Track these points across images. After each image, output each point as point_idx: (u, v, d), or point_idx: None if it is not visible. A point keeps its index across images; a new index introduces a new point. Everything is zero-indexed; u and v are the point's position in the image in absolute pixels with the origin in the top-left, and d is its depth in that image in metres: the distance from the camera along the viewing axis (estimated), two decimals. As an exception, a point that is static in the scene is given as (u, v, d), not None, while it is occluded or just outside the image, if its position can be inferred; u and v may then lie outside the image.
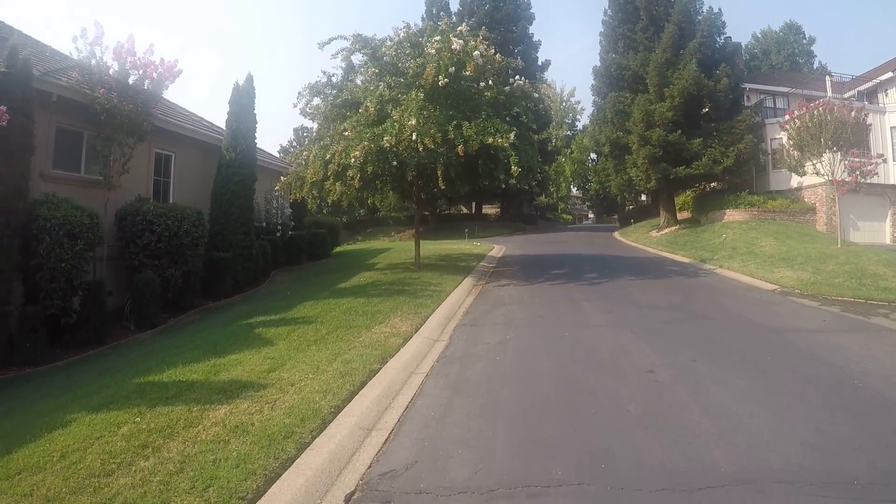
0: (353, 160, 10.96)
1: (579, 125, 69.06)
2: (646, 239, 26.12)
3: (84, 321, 9.37)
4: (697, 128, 25.22)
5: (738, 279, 13.27)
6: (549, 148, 42.54)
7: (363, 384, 5.18)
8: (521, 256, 18.69)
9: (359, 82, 13.96)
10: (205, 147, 15.46)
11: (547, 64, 40.70)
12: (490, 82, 12.86)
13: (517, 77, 13.28)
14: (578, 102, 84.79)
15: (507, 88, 12.66)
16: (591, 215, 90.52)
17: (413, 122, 10.26)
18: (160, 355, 7.61)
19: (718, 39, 27.41)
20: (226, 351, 6.90)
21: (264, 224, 19.11)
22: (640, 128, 23.50)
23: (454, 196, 36.28)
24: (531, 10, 40.37)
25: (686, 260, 17.82)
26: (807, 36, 59.04)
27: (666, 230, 26.34)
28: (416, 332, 7.31)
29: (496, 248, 22.23)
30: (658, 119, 23.57)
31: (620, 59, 27.62)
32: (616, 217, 73.78)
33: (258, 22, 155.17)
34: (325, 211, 41.21)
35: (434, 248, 21.48)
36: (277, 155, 30.29)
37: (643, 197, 58.56)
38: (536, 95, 13.33)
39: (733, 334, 7.09)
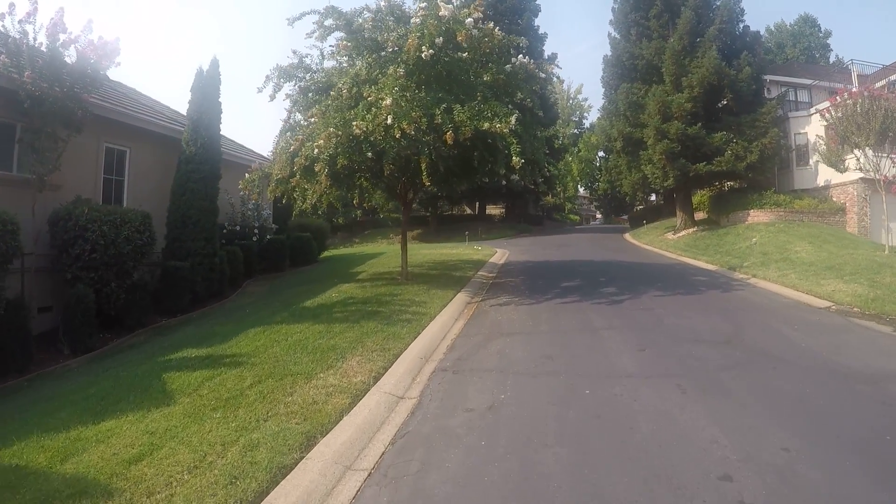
0: (316, 151, 8.95)
1: (587, 123, 67.06)
2: (661, 242, 24.00)
3: (-4, 347, 7.61)
4: (718, 121, 23.08)
5: (781, 293, 11.21)
6: (556, 145, 40.41)
7: (258, 497, 3.17)
8: (526, 263, 16.63)
9: (335, 63, 11.96)
10: (167, 141, 13.59)
11: (553, 57, 38.55)
12: (489, 63, 10.86)
13: (520, 56, 11.22)
14: (586, 100, 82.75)
15: (507, 67, 10.60)
16: (598, 216, 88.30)
17: (388, 101, 8.23)
18: (36, 409, 5.70)
19: (738, 26, 25.27)
20: (107, 411, 4.93)
21: (238, 227, 17.21)
22: (656, 120, 21.38)
23: (451, 195, 34.25)
24: (537, 2, 38.38)
25: (712, 267, 15.73)
26: (822, 29, 56.73)
27: (683, 232, 24.22)
28: (375, 382, 5.30)
29: (499, 253, 20.18)
30: (676, 111, 21.45)
31: (633, 48, 25.51)
32: (625, 217, 71.72)
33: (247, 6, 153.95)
34: (320, 212, 39.29)
35: (429, 253, 19.47)
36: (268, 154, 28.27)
37: (653, 197, 56.54)
38: (543, 76, 11.25)
39: (817, 388, 5.02)
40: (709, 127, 22.17)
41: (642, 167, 23.37)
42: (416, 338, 6.92)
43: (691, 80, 22.09)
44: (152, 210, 12.17)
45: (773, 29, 57.27)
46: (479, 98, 9.67)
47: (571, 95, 65.86)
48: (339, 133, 9.13)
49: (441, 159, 9.72)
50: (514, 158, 8.41)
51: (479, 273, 13.66)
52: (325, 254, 23.10)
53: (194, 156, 13.12)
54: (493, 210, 46.10)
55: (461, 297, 10.06)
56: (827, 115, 15.76)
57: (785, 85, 29.99)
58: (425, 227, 38.45)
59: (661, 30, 24.99)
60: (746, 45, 24.29)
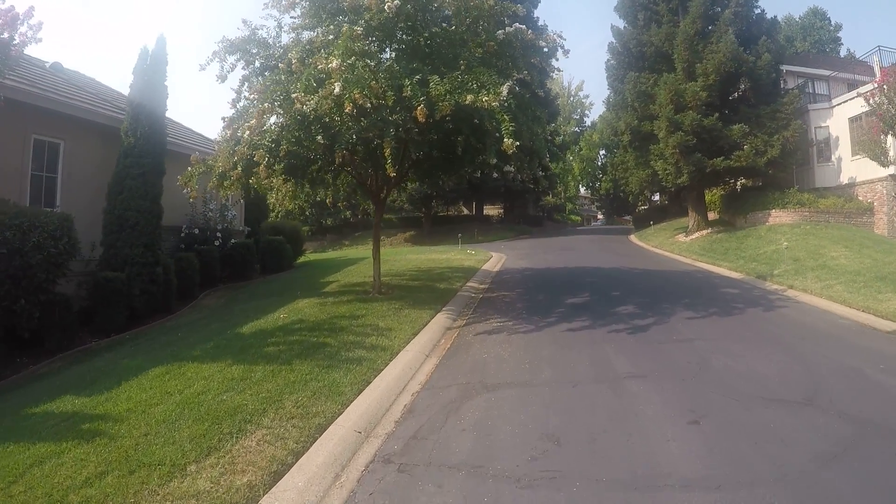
0: (247, 133, 6.89)
1: (588, 121, 65.02)
2: (673, 245, 21.92)
3: None
4: (735, 112, 21.00)
5: (832, 311, 9.14)
6: (558, 141, 38.33)
7: None
8: (525, 272, 14.51)
9: (294, 35, 9.85)
10: (114, 133, 11.63)
11: (554, 49, 36.46)
12: (479, 31, 8.78)
13: (516, 25, 9.13)
14: (587, 97, 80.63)
15: (500, 34, 8.50)
16: (600, 216, 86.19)
17: (334, 63, 6.15)
18: None
19: (753, 11, 23.17)
20: None
21: (197, 231, 15.18)
22: (668, 111, 19.28)
23: (440, 192, 32.13)
24: (536, -6, 36.31)
25: (737, 275, 13.66)
26: (832, 22, 54.59)
27: (696, 234, 22.13)
28: (269, 487, 3.23)
29: (494, 258, 18.08)
30: (690, 100, 19.37)
31: (640, 34, 23.41)
32: (628, 218, 69.60)
33: None
34: (307, 213, 37.29)
35: (416, 258, 17.38)
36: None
37: (656, 197, 54.39)
38: (543, 46, 9.15)
39: None
40: (725, 119, 20.10)
41: (652, 163, 21.29)
42: (360, 393, 4.82)
43: (706, 66, 20.01)
44: (94, 212, 10.53)
45: (781, 22, 55.09)
46: (462, 67, 7.59)
47: (572, 92, 63.78)
48: (282, 112, 7.08)
49: (414, 144, 7.67)
50: (507, 140, 6.32)
51: (469, 284, 11.58)
52: (304, 258, 21.03)
53: (133, 148, 11.18)
54: (491, 210, 44.02)
55: (440, 321, 7.95)
56: (873, 99, 13.66)
57: (802, 76, 27.92)
58: (418, 229, 36.35)
59: (670, 14, 22.91)
60: (763, 30, 22.22)
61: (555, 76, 47.20)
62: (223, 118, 7.38)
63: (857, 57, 36.76)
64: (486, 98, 6.41)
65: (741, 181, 26.00)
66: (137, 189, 10.97)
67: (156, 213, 11.31)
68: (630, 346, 6.29)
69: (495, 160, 8.42)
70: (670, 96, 19.44)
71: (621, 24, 25.45)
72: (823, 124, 23.19)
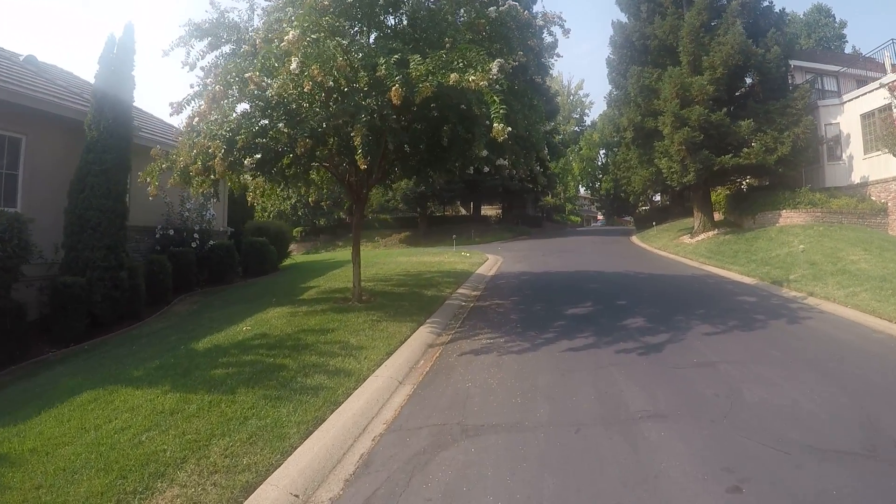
0: (196, 120, 5.92)
1: (588, 120, 64.04)
2: (678, 246, 20.94)
3: None
4: (742, 108, 20.01)
5: (863, 322, 8.19)
6: (557, 139, 37.35)
7: None
8: (521, 276, 13.53)
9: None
10: (79, 127, 10.72)
11: (554, 44, 35.52)
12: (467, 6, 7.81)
13: (510, 2, 8.16)
14: (587, 96, 79.68)
15: (491, 10, 7.52)
16: (599, 217, 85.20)
17: (291, 34, 5.16)
18: None
19: (760, 3, 22.19)
20: None
21: (172, 232, 14.25)
22: (674, 105, 18.30)
23: (430, 190, 31.12)
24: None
25: (750, 280, 12.72)
26: (837, 20, 53.59)
27: (702, 235, 21.15)
28: None
29: (490, 261, 17.11)
30: (697, 94, 18.39)
31: (644, 27, 22.43)
32: (628, 219, 68.55)
33: None
34: (300, 213, 36.25)
35: (406, 261, 16.41)
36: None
37: (657, 197, 53.35)
38: (542, 25, 8.18)
39: None
40: (733, 115, 19.15)
41: (656, 161, 20.31)
42: (308, 435, 3.84)
43: (713, 59, 19.05)
44: (59, 212, 9.80)
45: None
46: (447, 45, 6.62)
47: (572, 91, 62.83)
48: (237, 96, 6.11)
49: (392, 133, 6.69)
50: (497, 126, 5.33)
51: (460, 291, 10.60)
52: (291, 261, 20.05)
53: (96, 142, 10.31)
54: (489, 211, 43.06)
55: (421, 336, 6.97)
56: (897, 91, 12.72)
57: (810, 72, 26.92)
58: (413, 230, 35.36)
59: (674, 6, 21.92)
60: (772, 22, 21.26)
61: (555, 63, 46.24)
62: (171, 104, 6.37)
63: (864, 54, 35.79)
64: (474, 77, 5.43)
65: (747, 180, 25.10)
66: (100, 187, 10.06)
67: (119, 212, 10.38)
68: (643, 371, 5.30)
69: (486, 152, 7.43)
70: (676, 90, 18.47)
71: (623, 17, 24.53)
72: (834, 121, 22.21)
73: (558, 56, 10.15)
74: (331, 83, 5.34)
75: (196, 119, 6.05)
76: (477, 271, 13.93)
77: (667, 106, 18.58)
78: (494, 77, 5.53)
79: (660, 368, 5.36)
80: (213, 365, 5.65)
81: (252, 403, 4.39)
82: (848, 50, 49.64)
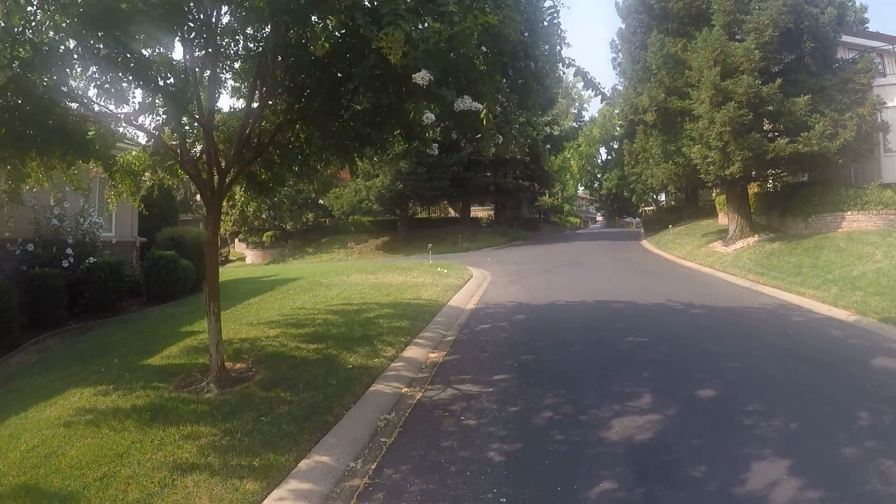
0: None
1: (587, 116, 59.82)
2: (710, 256, 16.70)
3: None
4: (793, 83, 15.79)
5: None
6: (556, 131, 33.09)
7: None
8: (515, 314, 9.07)
9: None
10: None
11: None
12: None
13: None
14: (586, 90, 75.38)
15: None
16: (599, 218, 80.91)
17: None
18: None
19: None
20: None
21: (31, 247, 10.15)
22: (713, 75, 14.06)
23: (418, 192, 26.70)
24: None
25: (844, 314, 8.67)
26: (857, 2, 49.69)
27: (740, 243, 16.92)
28: None
29: (472, 282, 12.84)
30: (742, 61, 14.19)
31: (664, -13, 18.26)
32: (630, 220, 64.36)
33: None
34: (264, 216, 31.83)
35: (359, 282, 12.13)
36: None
37: (662, 197, 49.06)
38: None
39: None
40: (785, 89, 14.97)
41: (684, 149, 16.10)
42: None
43: (759, 18, 14.83)
44: None
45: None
46: None
47: (571, 84, 58.65)
48: None
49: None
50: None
51: (408, 353, 6.31)
52: (232, 275, 15.75)
53: None
54: (480, 212, 38.84)
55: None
56: None
57: (854, 49, 22.81)
58: (392, 234, 31.00)
59: (702, -39, 17.76)
60: (819, -18, 17.11)
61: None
62: None
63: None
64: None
65: (784, 176, 20.87)
66: None
67: None
68: None
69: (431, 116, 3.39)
70: (714, 55, 14.24)
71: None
72: (893, 103, 18.00)
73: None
74: None
75: None
76: (450, 302, 9.64)
77: (703, 76, 14.35)
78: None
79: None
80: None
81: None
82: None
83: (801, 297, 10.44)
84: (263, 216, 31.37)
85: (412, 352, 6.23)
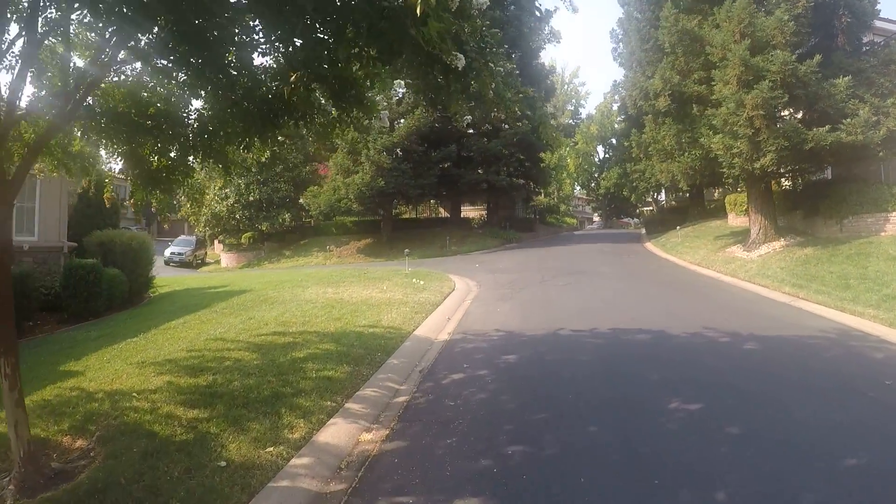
0: None
1: (583, 113, 57.70)
2: (730, 263, 14.51)
3: None
4: (827, 64, 13.58)
5: None
6: (556, 122, 30.82)
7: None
8: (504, 355, 6.57)
9: None
10: None
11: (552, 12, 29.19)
12: None
13: None
14: (583, 85, 73.41)
15: None
16: (596, 218, 78.68)
17: None
18: None
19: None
20: None
21: None
22: (741, 49, 11.85)
23: (403, 191, 24.30)
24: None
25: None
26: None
27: (764, 248, 14.75)
28: None
29: (453, 298, 10.61)
30: (775, 33, 11.99)
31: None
32: (628, 221, 62.29)
33: None
34: (238, 216, 29.45)
35: (312, 297, 9.88)
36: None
37: (662, 196, 46.92)
38: None
39: None
40: (823, 69, 12.81)
41: (702, 140, 13.90)
42: None
43: (792, -14, 12.69)
44: None
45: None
46: None
47: (566, 79, 56.53)
48: None
49: None
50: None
51: (322, 438, 3.97)
52: (179, 283, 13.44)
53: None
54: (471, 212, 36.61)
55: None
56: None
57: (882, 34, 20.78)
58: (375, 236, 28.68)
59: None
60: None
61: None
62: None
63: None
64: None
65: (811, 171, 18.68)
66: None
67: None
68: None
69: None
70: (741, 28, 12.04)
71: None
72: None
73: None
74: None
75: None
76: (416, 331, 7.36)
77: (729, 52, 12.14)
78: None
79: None
80: None
81: None
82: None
83: (859, 318, 8.29)
84: (237, 216, 29.05)
85: (335, 430, 3.98)
